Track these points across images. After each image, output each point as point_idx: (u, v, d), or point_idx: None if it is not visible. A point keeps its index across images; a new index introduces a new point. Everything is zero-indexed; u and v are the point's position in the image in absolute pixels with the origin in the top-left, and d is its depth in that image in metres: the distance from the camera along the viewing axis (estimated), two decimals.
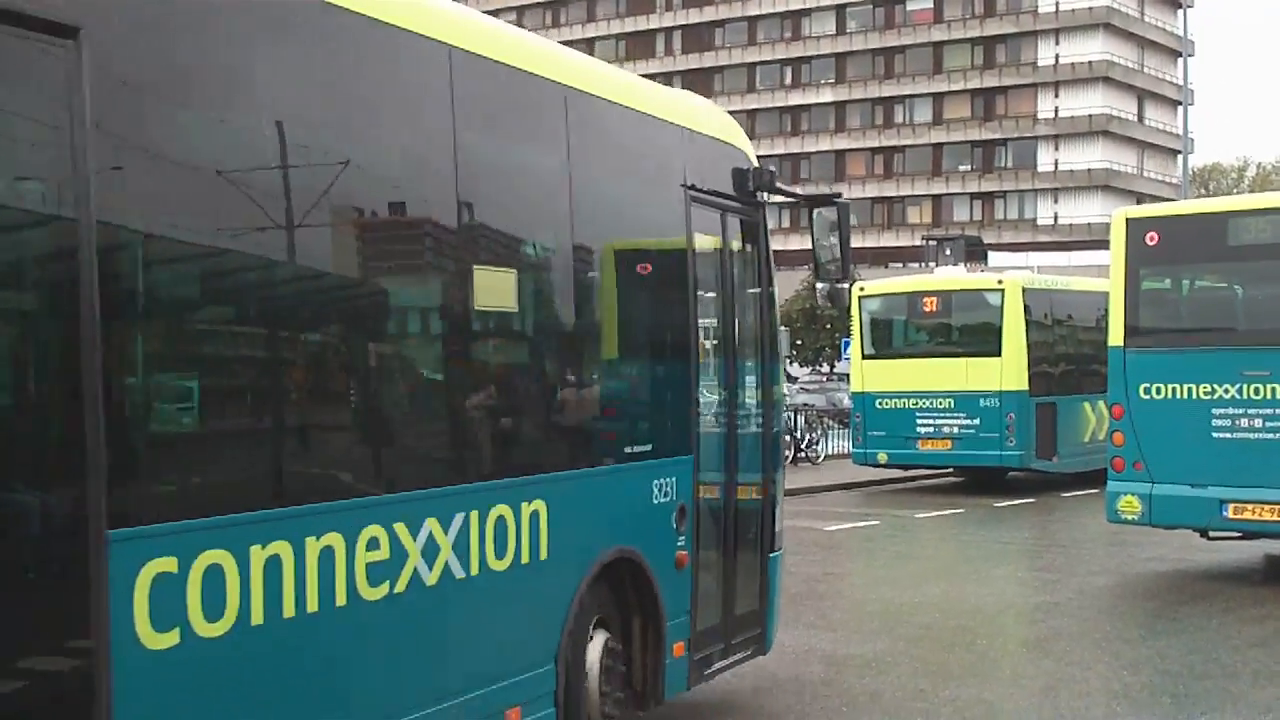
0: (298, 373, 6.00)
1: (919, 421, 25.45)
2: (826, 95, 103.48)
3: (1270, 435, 14.61)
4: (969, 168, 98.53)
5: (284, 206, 5.75)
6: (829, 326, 56.85)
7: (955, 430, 25.20)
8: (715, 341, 9.26)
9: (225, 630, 5.29)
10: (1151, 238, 15.62)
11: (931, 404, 25.35)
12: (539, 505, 7.24)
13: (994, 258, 44.01)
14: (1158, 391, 15.35)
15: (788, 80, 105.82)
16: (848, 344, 28.92)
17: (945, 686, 10.51)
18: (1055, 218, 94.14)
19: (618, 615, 8.25)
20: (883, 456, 26.25)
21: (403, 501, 6.32)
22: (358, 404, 6.43)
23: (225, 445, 5.62)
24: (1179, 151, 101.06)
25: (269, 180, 5.69)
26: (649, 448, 8.40)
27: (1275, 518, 14.67)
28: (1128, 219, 15.86)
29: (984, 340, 25.23)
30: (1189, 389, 15.15)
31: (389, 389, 6.64)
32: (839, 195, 9.95)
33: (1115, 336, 15.78)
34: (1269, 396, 14.62)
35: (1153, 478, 15.35)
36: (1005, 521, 21.79)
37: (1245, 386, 14.74)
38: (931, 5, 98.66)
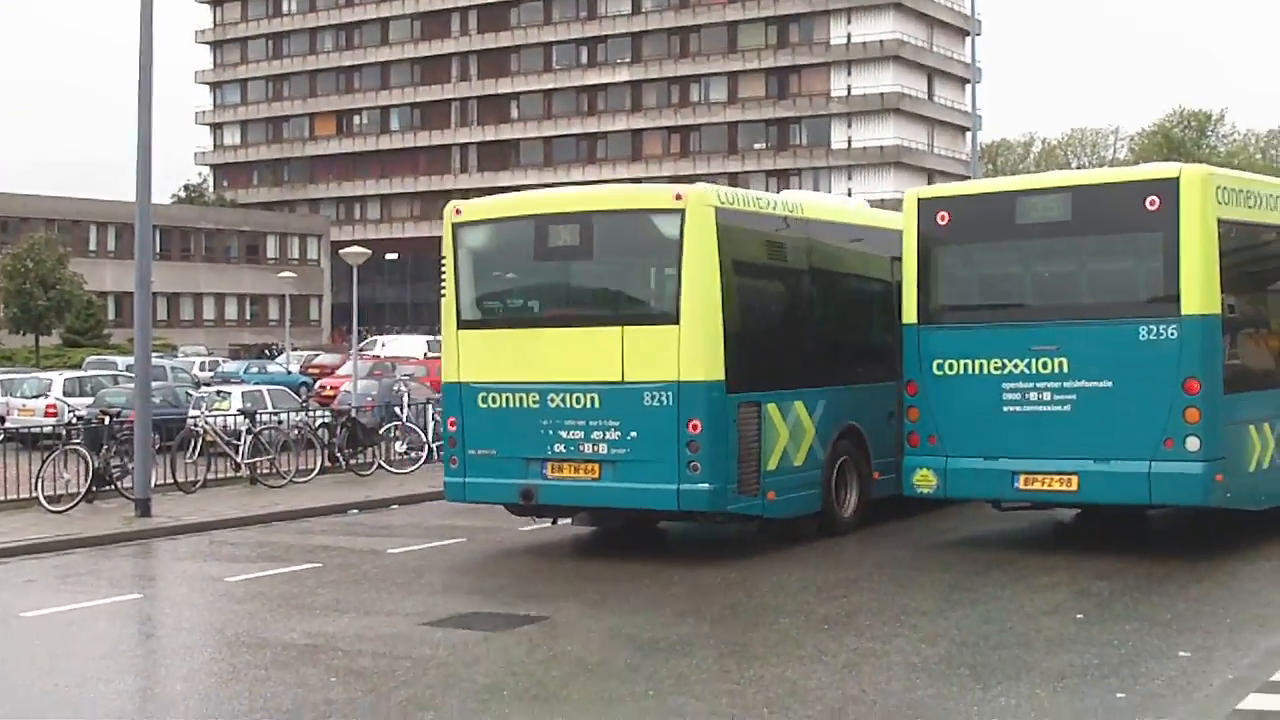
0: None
1: None
2: (623, 75, 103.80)
3: (1058, 408, 15.01)
4: (764, 145, 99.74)
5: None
6: None
7: None
8: None
9: None
10: (943, 217, 15.91)
11: None
12: None
13: None
14: (950, 368, 15.66)
15: (584, 60, 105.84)
16: None
17: (749, 666, 10.62)
18: (849, 194, 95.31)
19: None
20: None
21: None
22: None
23: None
24: (967, 129, 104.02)
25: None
26: None
27: (1063, 488, 15.07)
28: (919, 199, 16.10)
29: None
30: (980, 364, 15.47)
31: None
32: None
33: (909, 314, 16.03)
34: (1057, 370, 15.01)
35: (947, 451, 15.67)
36: None
37: (1034, 361, 15.11)
38: None
